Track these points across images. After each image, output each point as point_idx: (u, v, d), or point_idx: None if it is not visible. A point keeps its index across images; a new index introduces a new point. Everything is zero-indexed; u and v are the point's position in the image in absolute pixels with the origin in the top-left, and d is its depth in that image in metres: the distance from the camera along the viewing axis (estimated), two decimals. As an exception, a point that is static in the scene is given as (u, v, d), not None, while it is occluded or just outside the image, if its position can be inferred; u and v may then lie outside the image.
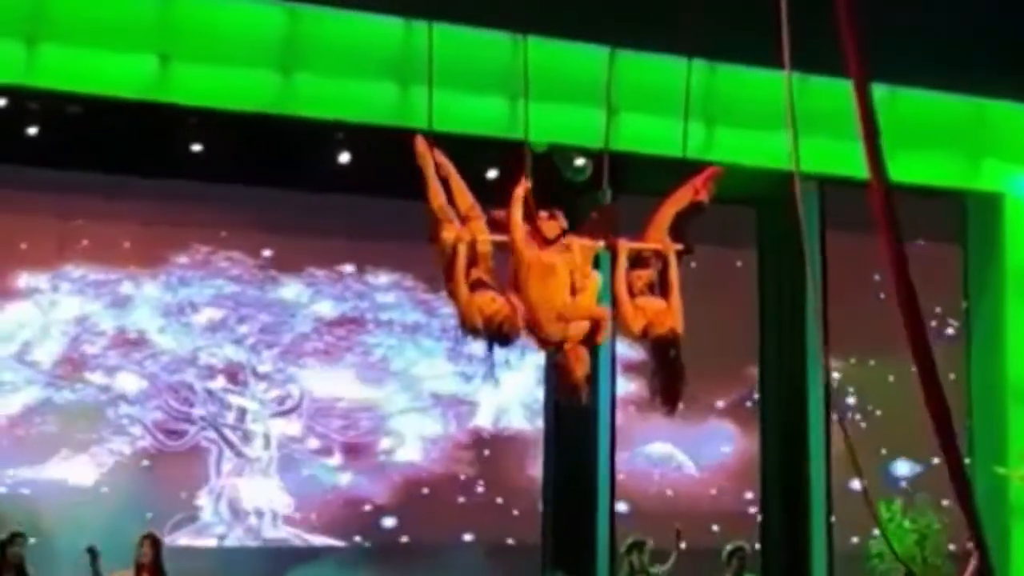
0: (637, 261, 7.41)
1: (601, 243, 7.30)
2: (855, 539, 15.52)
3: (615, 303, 7.31)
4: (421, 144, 7.09)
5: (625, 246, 7.34)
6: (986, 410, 16.09)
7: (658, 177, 9.95)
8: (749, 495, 16.18)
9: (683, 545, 13.32)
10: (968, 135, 14.91)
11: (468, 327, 6.92)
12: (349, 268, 15.56)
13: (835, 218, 15.53)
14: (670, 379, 7.32)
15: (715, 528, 15.74)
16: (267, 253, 15.21)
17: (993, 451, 15.77)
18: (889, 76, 13.95)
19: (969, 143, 15.00)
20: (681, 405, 7.45)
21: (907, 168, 14.66)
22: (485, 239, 7.03)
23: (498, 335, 6.86)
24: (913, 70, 13.77)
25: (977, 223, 16.36)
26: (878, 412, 16.56)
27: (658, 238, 7.48)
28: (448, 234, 6.96)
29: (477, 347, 7.02)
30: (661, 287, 7.43)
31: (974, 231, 16.47)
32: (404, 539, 15.05)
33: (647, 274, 7.42)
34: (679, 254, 7.47)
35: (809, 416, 15.92)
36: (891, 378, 16.58)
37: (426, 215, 7.07)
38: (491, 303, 6.87)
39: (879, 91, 10.87)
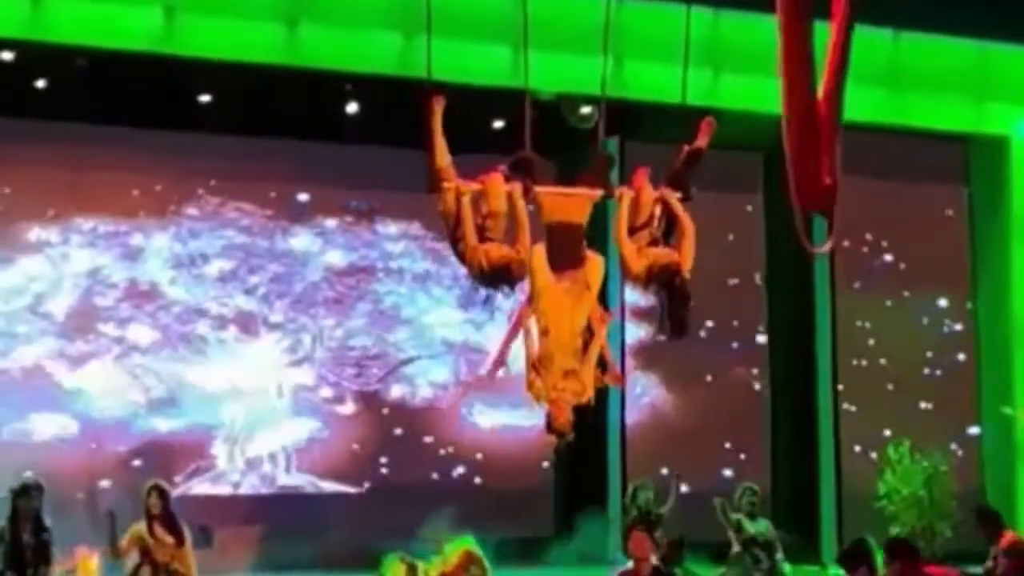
0: (635, 226, 7.42)
1: (600, 192, 7.33)
2: (864, 480, 15.63)
3: (617, 246, 7.34)
4: (437, 103, 7.14)
5: (627, 193, 7.38)
6: (993, 351, 16.19)
7: (664, 125, 9.99)
8: (757, 437, 16.27)
9: (682, 487, 13.39)
10: (973, 79, 14.92)
11: (474, 272, 7.03)
12: (359, 218, 15.61)
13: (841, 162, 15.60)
14: (676, 306, 7.38)
15: (725, 470, 15.86)
16: (277, 204, 15.27)
17: (1000, 392, 15.88)
18: (893, 20, 13.99)
19: (974, 87, 15.01)
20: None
21: (912, 112, 14.72)
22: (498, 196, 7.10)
23: (503, 277, 6.97)
24: (917, 14, 13.78)
25: (982, 166, 16.40)
26: (885, 356, 16.67)
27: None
28: (449, 195, 7.06)
29: (484, 291, 7.11)
30: (667, 236, 7.46)
31: (979, 174, 16.51)
32: (417, 484, 15.15)
33: (647, 233, 7.45)
34: (679, 202, 7.50)
35: (817, 357, 16.01)
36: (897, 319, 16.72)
37: (428, 170, 7.14)
38: (497, 248, 6.99)
39: (883, 35, 10.88)
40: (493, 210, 7.10)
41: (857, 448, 16.00)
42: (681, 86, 7.86)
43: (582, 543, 14.07)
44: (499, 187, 7.10)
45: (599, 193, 7.32)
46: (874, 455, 15.57)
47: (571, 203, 7.23)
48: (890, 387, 16.47)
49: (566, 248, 7.12)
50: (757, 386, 16.47)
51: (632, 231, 7.37)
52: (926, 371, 16.67)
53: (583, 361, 7.08)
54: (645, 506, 13.11)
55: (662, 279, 7.32)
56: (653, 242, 7.41)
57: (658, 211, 7.44)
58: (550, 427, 7.17)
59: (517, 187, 7.09)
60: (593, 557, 13.67)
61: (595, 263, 7.14)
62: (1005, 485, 15.75)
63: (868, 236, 16.63)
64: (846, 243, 16.27)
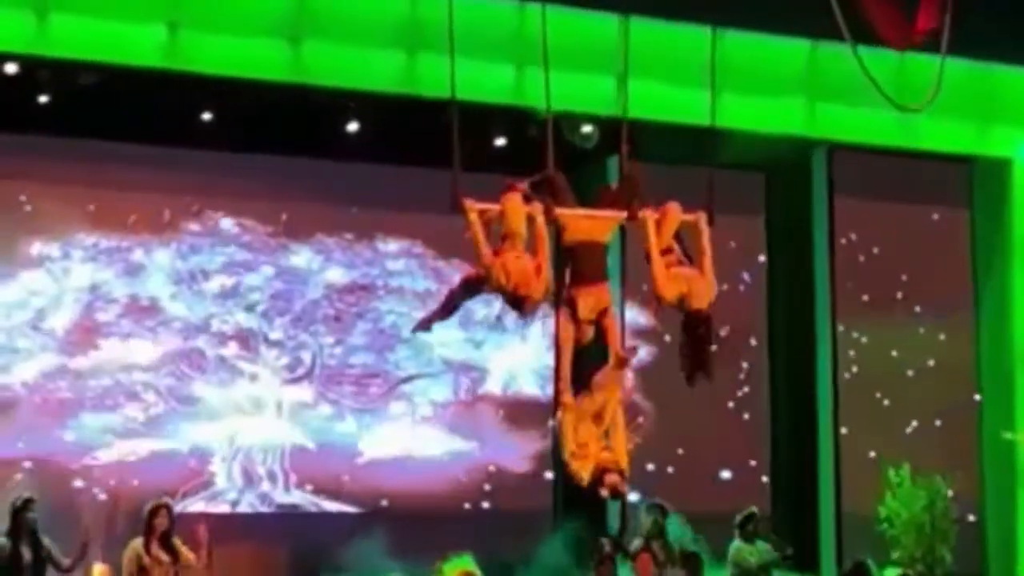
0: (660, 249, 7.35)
1: (624, 214, 7.24)
2: (864, 504, 15.58)
3: (650, 266, 7.23)
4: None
5: (651, 216, 7.25)
6: (995, 376, 16.15)
7: (666, 144, 9.99)
8: (758, 460, 16.26)
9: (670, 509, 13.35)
10: (977, 100, 14.90)
11: (495, 285, 6.85)
12: (359, 235, 15.59)
13: (843, 183, 15.67)
14: (699, 352, 7.25)
15: (725, 493, 15.81)
16: (278, 220, 15.25)
17: (1002, 415, 15.84)
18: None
19: (978, 108, 14.99)
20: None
21: (915, 133, 14.71)
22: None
23: (517, 302, 6.81)
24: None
25: (985, 189, 16.39)
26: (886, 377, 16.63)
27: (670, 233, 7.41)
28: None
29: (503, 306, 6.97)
30: (688, 256, 7.40)
31: (982, 197, 16.50)
32: (416, 504, 15.10)
33: (673, 258, 7.38)
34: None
35: (818, 381, 15.97)
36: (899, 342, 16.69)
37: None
38: (515, 261, 6.81)
39: (888, 57, 10.91)
40: (512, 231, 6.92)
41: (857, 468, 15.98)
42: (710, 108, 7.83)
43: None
44: (518, 207, 6.92)
45: (624, 215, 7.22)
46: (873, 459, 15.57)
47: (595, 224, 7.13)
48: (889, 408, 16.43)
49: (590, 265, 7.03)
50: (758, 408, 16.45)
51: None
52: (926, 393, 16.62)
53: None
54: (658, 529, 13.05)
55: (689, 321, 7.22)
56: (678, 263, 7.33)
57: (677, 247, 7.37)
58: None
59: (538, 208, 6.93)
60: (560, 570, 13.60)
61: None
62: (1006, 509, 15.70)
63: (869, 256, 16.61)
64: (845, 251, 16.31)
